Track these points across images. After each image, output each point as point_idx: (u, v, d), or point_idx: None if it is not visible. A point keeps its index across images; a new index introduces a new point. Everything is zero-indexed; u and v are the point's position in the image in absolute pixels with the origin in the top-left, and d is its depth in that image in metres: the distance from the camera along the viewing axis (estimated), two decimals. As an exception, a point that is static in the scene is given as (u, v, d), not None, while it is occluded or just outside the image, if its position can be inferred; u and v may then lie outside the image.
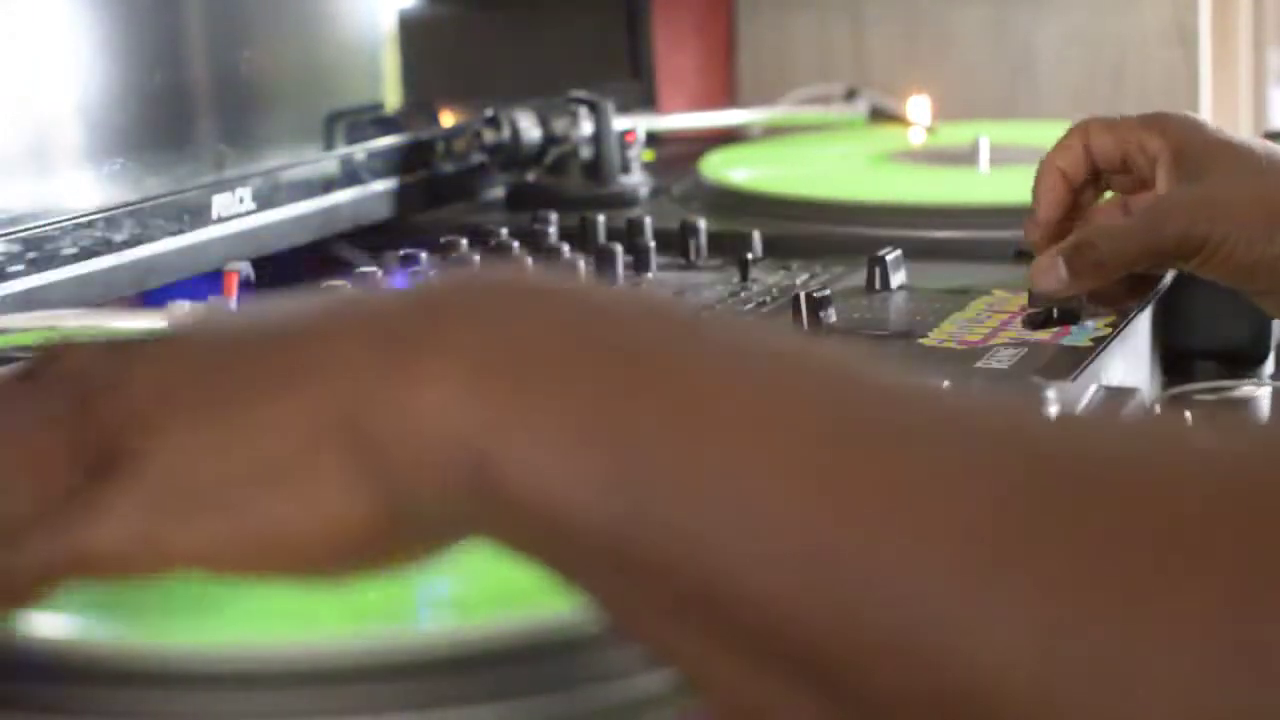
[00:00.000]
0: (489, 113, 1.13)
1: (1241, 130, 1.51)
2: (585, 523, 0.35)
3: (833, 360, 0.37)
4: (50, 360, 0.41)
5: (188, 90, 0.96)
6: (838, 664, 0.32)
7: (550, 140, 1.13)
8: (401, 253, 0.90)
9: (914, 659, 0.32)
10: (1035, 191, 0.83)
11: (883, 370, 0.37)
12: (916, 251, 0.92)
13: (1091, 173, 0.82)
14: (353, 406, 0.37)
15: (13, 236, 0.80)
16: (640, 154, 1.17)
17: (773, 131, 1.41)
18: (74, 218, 0.84)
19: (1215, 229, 0.75)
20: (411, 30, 1.13)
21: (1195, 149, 0.79)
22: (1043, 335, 0.78)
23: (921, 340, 0.78)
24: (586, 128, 1.14)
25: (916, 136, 1.35)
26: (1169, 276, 0.88)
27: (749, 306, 0.85)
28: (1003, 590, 0.31)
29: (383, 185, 1.08)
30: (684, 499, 0.34)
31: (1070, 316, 0.80)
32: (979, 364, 0.74)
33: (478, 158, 1.15)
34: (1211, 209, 0.76)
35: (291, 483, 0.37)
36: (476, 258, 0.87)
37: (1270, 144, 0.80)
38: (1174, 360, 0.92)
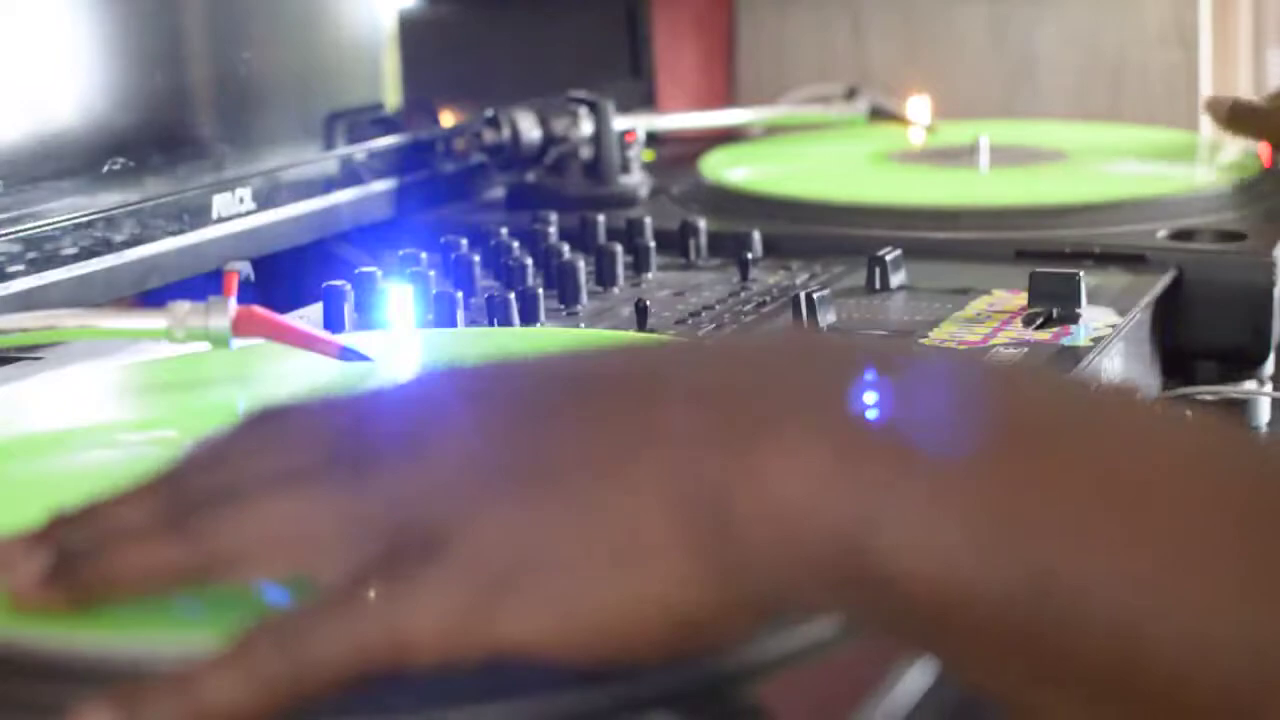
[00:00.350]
0: (489, 113, 1.13)
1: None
2: (979, 602, 0.33)
3: (1236, 442, 0.36)
4: (288, 419, 0.40)
5: (188, 90, 0.96)
6: None
7: (550, 140, 1.13)
8: (401, 253, 0.90)
9: None
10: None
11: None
12: (916, 251, 0.92)
13: None
14: (698, 485, 0.35)
15: (13, 236, 0.80)
16: (640, 154, 1.17)
17: (773, 131, 1.41)
18: (74, 218, 0.84)
19: None
20: (411, 30, 1.13)
21: None
22: (1042, 335, 0.78)
23: (922, 340, 0.78)
24: (586, 128, 1.14)
25: (916, 136, 1.35)
26: (1168, 276, 0.88)
27: (749, 306, 0.85)
28: None
29: (383, 185, 1.08)
30: (1103, 574, 0.33)
31: (1070, 316, 0.80)
32: (979, 364, 0.74)
33: (478, 158, 1.15)
34: None
35: (630, 565, 0.35)
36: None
37: None
38: (1174, 360, 0.92)
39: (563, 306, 0.86)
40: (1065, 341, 0.77)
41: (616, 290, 0.90)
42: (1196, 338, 0.92)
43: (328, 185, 1.03)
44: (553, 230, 0.99)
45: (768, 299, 0.86)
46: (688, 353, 0.39)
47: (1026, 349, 0.76)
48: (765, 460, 0.35)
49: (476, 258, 0.90)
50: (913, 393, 0.36)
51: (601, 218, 1.00)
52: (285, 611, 0.38)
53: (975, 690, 0.35)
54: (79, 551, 0.41)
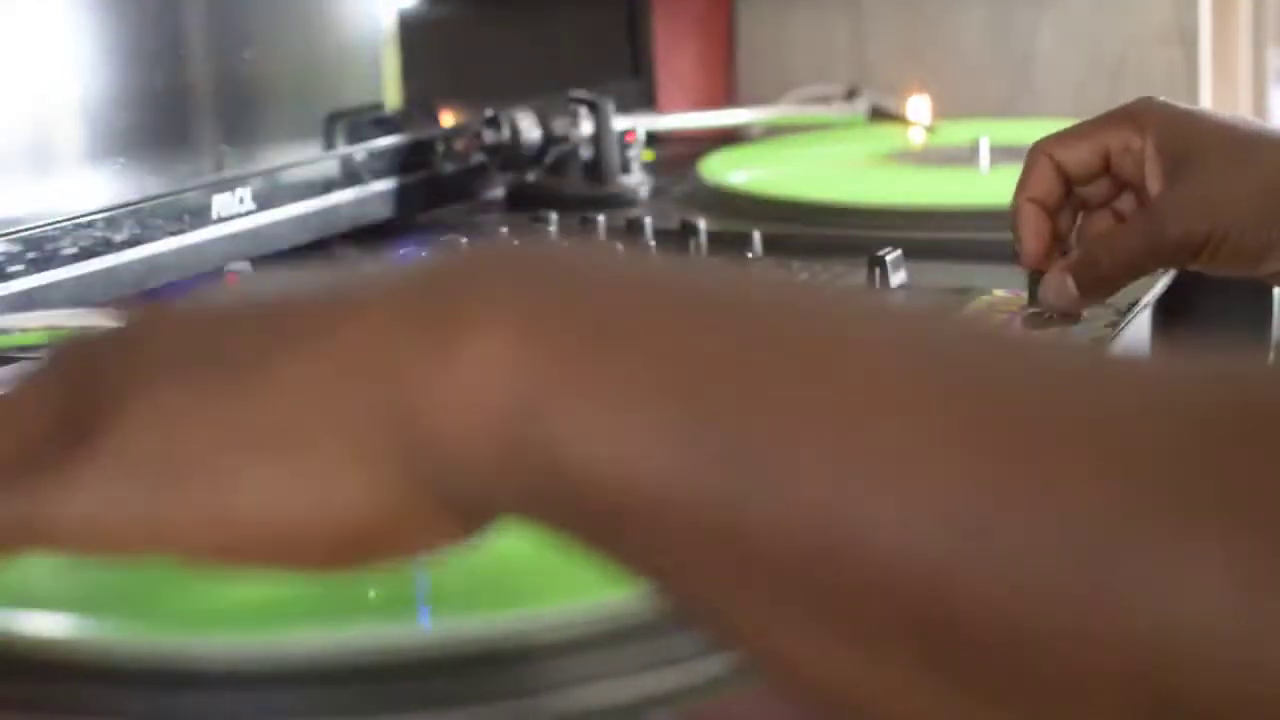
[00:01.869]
0: (489, 113, 1.13)
1: (1241, 130, 1.51)
2: (663, 490, 0.30)
3: (917, 312, 0.32)
4: (73, 341, 0.38)
5: (188, 90, 0.96)
6: (989, 647, 0.28)
7: (550, 140, 1.13)
8: (401, 253, 0.90)
9: (1095, 630, 0.27)
10: (1014, 229, 0.80)
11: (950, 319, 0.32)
12: (916, 251, 0.92)
13: (1065, 191, 0.80)
14: (377, 371, 0.32)
15: (13, 236, 0.80)
16: (640, 154, 1.17)
17: (773, 131, 1.41)
18: (74, 218, 0.84)
19: (1217, 225, 0.74)
20: (411, 30, 1.13)
21: (1180, 140, 0.77)
22: (1042, 335, 0.78)
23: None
24: (586, 128, 1.14)
25: (916, 136, 1.35)
26: (1168, 276, 0.88)
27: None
28: (1200, 545, 0.27)
29: (383, 185, 1.08)
30: (795, 458, 0.29)
31: (1070, 317, 0.80)
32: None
33: (478, 158, 1.15)
34: (1209, 205, 0.75)
35: (297, 457, 0.32)
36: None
37: (1253, 121, 0.78)
38: (1174, 360, 0.92)
39: (563, 306, 0.85)
40: (1065, 342, 0.77)
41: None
42: (1197, 338, 0.92)
43: (328, 185, 1.03)
44: (553, 230, 0.99)
45: (768, 299, 0.86)
46: (391, 263, 0.36)
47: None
48: (444, 343, 0.32)
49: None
50: (589, 275, 0.33)
51: (601, 218, 1.00)
52: None
53: (690, 616, 0.32)
54: None
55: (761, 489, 0.30)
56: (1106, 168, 0.79)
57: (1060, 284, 0.76)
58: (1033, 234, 0.79)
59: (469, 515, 0.33)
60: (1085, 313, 0.80)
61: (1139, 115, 0.78)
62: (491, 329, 0.32)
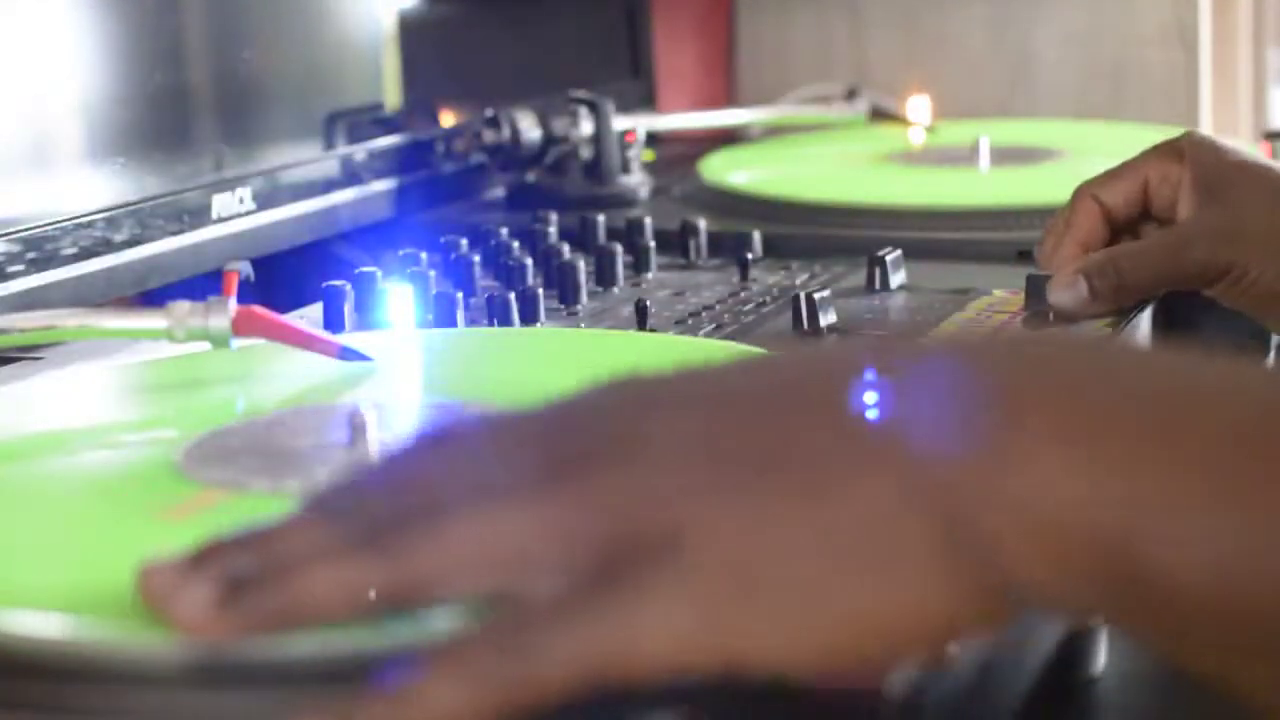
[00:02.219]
0: (489, 113, 1.13)
1: (1241, 131, 1.51)
2: (1248, 588, 0.32)
3: None
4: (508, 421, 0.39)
5: (188, 90, 0.96)
6: None
7: (550, 140, 1.13)
8: (401, 253, 0.90)
9: None
10: (1044, 251, 0.81)
11: None
12: (916, 251, 0.92)
13: (1109, 235, 0.80)
14: (940, 488, 0.34)
15: (13, 236, 0.80)
16: (640, 154, 1.16)
17: (773, 131, 1.41)
18: (74, 218, 0.84)
19: (1238, 257, 0.74)
20: (411, 30, 1.13)
21: (1216, 171, 0.77)
22: (1043, 335, 0.78)
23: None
24: (586, 128, 1.14)
25: (916, 136, 1.35)
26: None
27: (749, 307, 0.85)
28: None
29: (383, 185, 1.08)
30: None
31: (1071, 319, 0.80)
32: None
33: (478, 158, 1.15)
34: (1235, 237, 0.75)
35: (876, 571, 0.34)
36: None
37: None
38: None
39: (563, 306, 0.86)
40: (1065, 341, 0.77)
41: (616, 290, 0.90)
42: (1197, 338, 0.92)
43: (328, 185, 1.03)
44: (553, 230, 0.99)
45: (768, 299, 0.86)
46: (893, 349, 0.38)
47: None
48: (1000, 457, 0.34)
49: (476, 258, 0.90)
50: (1097, 376, 0.35)
51: (601, 218, 1.00)
52: (508, 619, 0.36)
53: (1181, 666, 0.35)
54: (251, 577, 0.40)
55: None
56: (1146, 201, 0.80)
57: (1071, 283, 0.76)
58: (1064, 254, 0.80)
59: (1019, 607, 0.36)
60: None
61: (1180, 147, 0.79)
62: (1044, 443, 0.34)
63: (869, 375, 0.36)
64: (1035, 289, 0.80)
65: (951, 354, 0.37)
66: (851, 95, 1.41)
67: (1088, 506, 0.33)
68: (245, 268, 0.68)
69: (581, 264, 0.87)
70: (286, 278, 0.99)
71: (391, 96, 1.12)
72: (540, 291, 0.82)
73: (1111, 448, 0.33)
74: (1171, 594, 0.33)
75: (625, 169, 1.14)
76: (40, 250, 0.82)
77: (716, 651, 0.35)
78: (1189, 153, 0.79)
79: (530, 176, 1.14)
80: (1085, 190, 0.81)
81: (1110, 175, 0.81)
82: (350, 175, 1.05)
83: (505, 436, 0.40)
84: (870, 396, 0.35)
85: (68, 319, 0.69)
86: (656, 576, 0.35)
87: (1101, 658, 0.63)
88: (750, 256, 0.92)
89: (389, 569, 0.39)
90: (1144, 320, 0.86)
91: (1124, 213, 0.80)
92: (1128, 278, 0.76)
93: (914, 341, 0.38)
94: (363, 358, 0.68)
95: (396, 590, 0.39)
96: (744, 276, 0.91)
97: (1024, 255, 0.92)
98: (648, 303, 0.81)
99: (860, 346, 0.39)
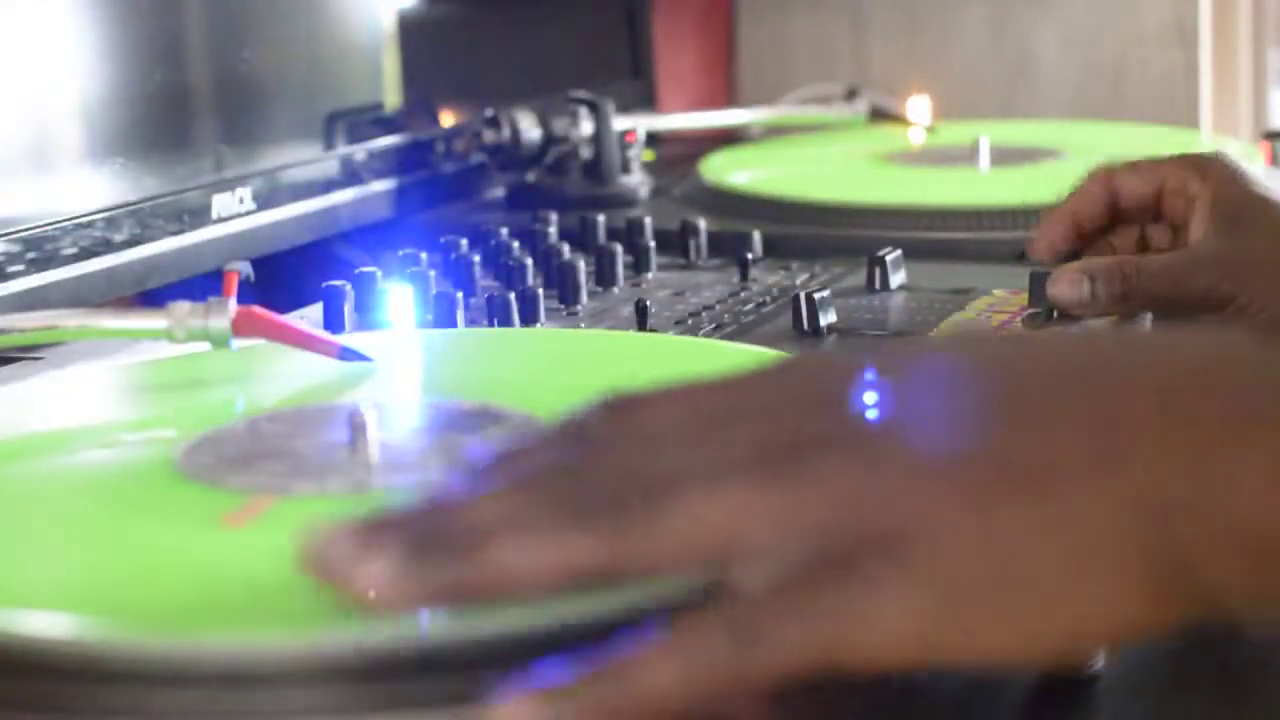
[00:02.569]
0: (489, 113, 1.13)
1: (1241, 131, 1.51)
2: None
3: None
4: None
5: (188, 90, 0.96)
6: None
7: (550, 140, 1.13)
8: (401, 253, 0.90)
9: None
10: (1041, 225, 0.81)
11: None
12: (916, 251, 0.92)
13: (1109, 219, 0.81)
14: (1164, 498, 0.36)
15: (13, 236, 0.80)
16: (640, 154, 1.17)
17: (773, 131, 1.41)
18: (74, 218, 0.84)
19: (1244, 288, 0.73)
20: (411, 30, 1.13)
21: (1235, 199, 0.77)
22: (1043, 335, 0.78)
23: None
24: (586, 128, 1.14)
25: (916, 136, 1.35)
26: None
27: (749, 307, 0.85)
28: None
29: (383, 185, 1.08)
30: None
31: (1070, 317, 0.80)
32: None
33: (478, 158, 1.15)
34: (1244, 270, 0.74)
35: (1094, 576, 0.36)
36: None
37: None
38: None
39: (563, 306, 0.86)
40: (1065, 341, 0.77)
41: (616, 290, 0.90)
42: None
43: (328, 185, 1.03)
44: (553, 230, 0.99)
45: (768, 299, 0.86)
46: (1135, 349, 0.40)
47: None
48: (1228, 476, 0.36)
49: (476, 258, 0.90)
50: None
51: (601, 218, 1.00)
52: (741, 605, 0.37)
53: None
54: (438, 547, 0.39)
55: None
56: (1158, 204, 0.80)
57: (1075, 281, 0.76)
58: (1059, 234, 0.80)
59: (1204, 610, 0.38)
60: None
61: (1206, 164, 0.79)
62: (1245, 455, 0.35)
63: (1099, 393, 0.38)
64: (1038, 287, 0.80)
65: (1179, 373, 0.38)
66: (851, 95, 1.41)
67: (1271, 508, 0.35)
68: (245, 268, 0.68)
69: (581, 264, 0.87)
70: (286, 278, 0.99)
71: (391, 96, 1.12)
72: (540, 291, 0.82)
73: None
74: None
75: (625, 169, 1.14)
76: (40, 250, 0.82)
77: (939, 646, 0.36)
78: (1214, 174, 0.78)
79: (530, 176, 1.14)
80: (1100, 172, 0.81)
81: (1129, 167, 0.81)
82: (350, 175, 1.05)
83: (719, 408, 0.39)
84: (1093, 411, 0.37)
85: (68, 319, 0.69)
86: (887, 572, 0.36)
87: (1101, 657, 0.63)
88: (750, 256, 0.93)
89: (597, 547, 0.38)
90: (1144, 321, 0.86)
91: (1131, 205, 0.80)
92: (1132, 288, 0.76)
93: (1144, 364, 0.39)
94: (363, 358, 0.68)
95: (601, 569, 0.38)
96: (744, 276, 0.91)
97: (1023, 255, 0.92)
98: (648, 303, 0.81)
99: (1098, 365, 0.40)
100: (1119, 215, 0.81)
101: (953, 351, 0.41)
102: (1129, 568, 0.36)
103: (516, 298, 0.81)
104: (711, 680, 0.36)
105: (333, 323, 0.80)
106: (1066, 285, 0.76)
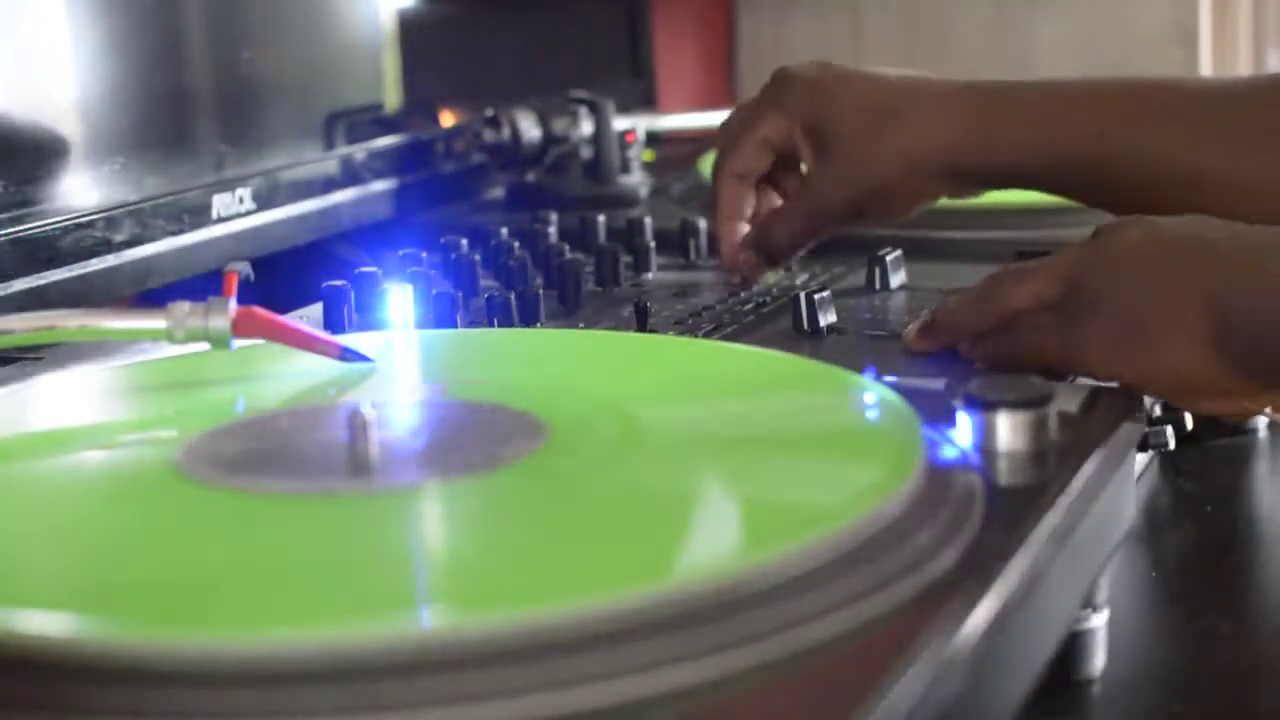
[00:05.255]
0: (489, 113, 1.13)
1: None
2: None
3: None
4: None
5: (188, 90, 0.96)
6: None
7: (550, 140, 1.13)
8: (401, 253, 0.90)
9: None
10: (721, 243, 0.87)
11: None
12: (916, 251, 0.92)
13: (756, 199, 0.87)
14: (1215, 294, 0.61)
15: (13, 236, 0.80)
16: (640, 154, 1.17)
17: (773, 131, 1.40)
18: (74, 218, 0.84)
19: (862, 190, 0.83)
20: (411, 30, 1.13)
21: (821, 118, 0.83)
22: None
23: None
24: (586, 128, 1.14)
25: (916, 136, 1.35)
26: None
27: (749, 306, 0.85)
28: None
29: (383, 185, 1.08)
30: None
31: (750, 282, 0.86)
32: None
33: (478, 158, 1.15)
34: (855, 175, 0.83)
35: (1179, 333, 0.62)
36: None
37: (895, 78, 0.84)
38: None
39: (563, 306, 0.86)
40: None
41: (616, 290, 0.90)
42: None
43: (328, 185, 1.04)
44: (553, 230, 0.99)
45: (768, 299, 0.86)
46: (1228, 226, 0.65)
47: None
48: (1263, 275, 0.61)
49: (476, 258, 0.90)
50: None
51: (601, 218, 1.00)
52: (1024, 314, 0.67)
53: None
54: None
55: None
56: (776, 153, 0.86)
57: (746, 258, 0.85)
58: (732, 244, 0.86)
59: (1268, 382, 0.62)
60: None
61: (784, 99, 0.85)
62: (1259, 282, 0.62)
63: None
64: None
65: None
66: (851, 95, 1.40)
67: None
68: (245, 268, 0.68)
69: (582, 264, 0.87)
70: (286, 278, 0.99)
71: (391, 96, 1.12)
72: (540, 291, 0.83)
73: None
74: None
75: (625, 169, 1.14)
76: (40, 250, 0.82)
77: (1110, 362, 0.64)
78: (793, 104, 0.84)
79: (530, 176, 1.14)
80: (725, 171, 0.86)
81: (735, 149, 0.86)
82: (350, 175, 1.06)
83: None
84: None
85: (68, 319, 0.69)
86: (1088, 319, 0.65)
87: (1101, 658, 0.63)
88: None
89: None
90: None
91: (764, 170, 0.86)
92: (779, 241, 0.85)
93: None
94: (363, 358, 0.68)
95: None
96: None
97: (1023, 255, 0.92)
98: (648, 303, 0.81)
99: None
100: (759, 191, 0.87)
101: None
102: (1198, 327, 0.61)
103: (516, 298, 0.81)
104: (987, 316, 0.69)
105: (333, 323, 0.80)
106: (736, 266, 0.86)
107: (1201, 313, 0.61)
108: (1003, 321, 0.68)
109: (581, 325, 0.82)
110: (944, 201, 1.04)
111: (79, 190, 0.87)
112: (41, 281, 0.82)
